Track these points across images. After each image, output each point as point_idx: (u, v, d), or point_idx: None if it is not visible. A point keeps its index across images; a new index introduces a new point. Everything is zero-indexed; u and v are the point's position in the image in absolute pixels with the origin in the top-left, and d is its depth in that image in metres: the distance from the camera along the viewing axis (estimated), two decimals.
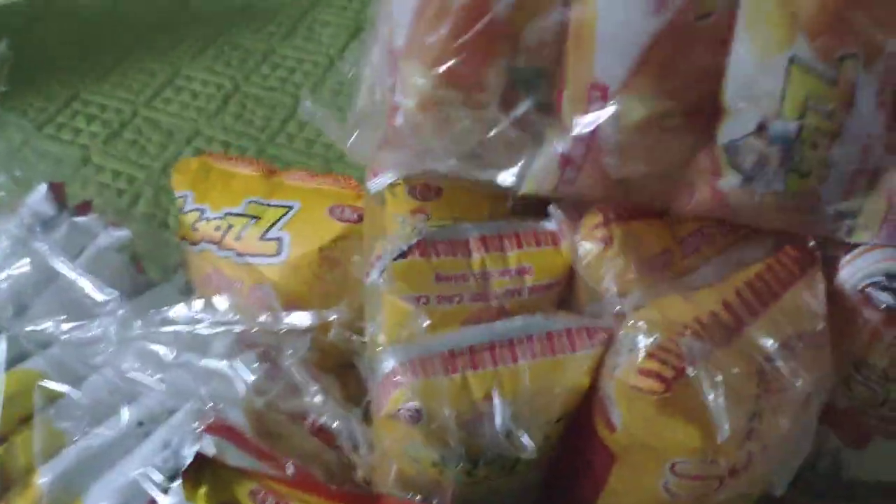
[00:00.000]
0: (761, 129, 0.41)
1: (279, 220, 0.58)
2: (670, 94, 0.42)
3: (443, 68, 0.43)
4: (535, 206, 0.51)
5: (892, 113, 0.41)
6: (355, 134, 0.48)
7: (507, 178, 0.47)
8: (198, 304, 0.49)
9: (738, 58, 0.41)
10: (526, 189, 0.47)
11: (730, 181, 0.44)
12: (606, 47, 0.41)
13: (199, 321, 0.47)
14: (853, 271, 0.45)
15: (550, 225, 0.50)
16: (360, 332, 0.48)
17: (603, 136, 0.43)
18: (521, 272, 0.49)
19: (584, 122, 0.43)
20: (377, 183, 0.52)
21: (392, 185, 0.52)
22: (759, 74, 0.40)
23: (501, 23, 0.42)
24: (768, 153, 0.42)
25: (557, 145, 0.45)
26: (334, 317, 0.48)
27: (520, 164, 0.47)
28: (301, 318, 0.48)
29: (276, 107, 0.88)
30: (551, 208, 0.50)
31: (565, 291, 0.50)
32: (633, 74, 0.41)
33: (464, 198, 0.53)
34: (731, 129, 0.42)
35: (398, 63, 0.46)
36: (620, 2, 0.40)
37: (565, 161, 0.45)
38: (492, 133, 0.45)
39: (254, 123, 0.86)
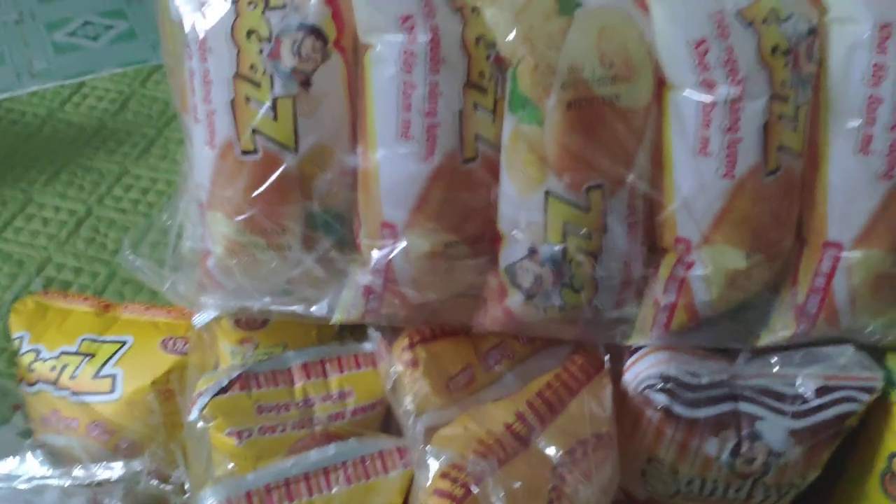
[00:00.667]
0: (533, 253, 0.46)
1: (112, 356, 0.59)
2: (451, 228, 0.46)
3: (243, 217, 0.47)
4: (363, 327, 0.54)
5: (644, 231, 0.46)
6: (171, 280, 0.51)
7: (317, 310, 0.50)
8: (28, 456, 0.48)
9: (504, 193, 0.46)
10: (336, 319, 0.50)
11: (514, 299, 0.48)
12: (390, 192, 0.46)
13: (17, 477, 0.47)
14: (634, 375, 0.49)
15: (371, 346, 0.53)
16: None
17: (397, 268, 0.47)
18: (342, 396, 0.52)
19: (379, 257, 0.47)
20: (201, 318, 0.54)
21: (218, 318, 0.55)
22: (523, 207, 0.45)
23: (293, 176, 0.46)
24: (542, 273, 0.46)
25: (360, 278, 0.49)
26: (140, 468, 0.49)
27: (328, 297, 0.50)
28: (110, 470, 0.49)
29: (130, 228, 0.89)
30: (370, 331, 0.53)
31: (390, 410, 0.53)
32: (414, 213, 0.46)
33: (291, 325, 0.55)
34: (509, 254, 0.47)
35: (205, 214, 0.49)
36: (397, 153, 0.45)
37: (367, 292, 0.49)
38: (297, 272, 0.49)
39: (106, 247, 0.87)
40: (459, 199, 0.46)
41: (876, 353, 0.51)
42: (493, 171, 0.45)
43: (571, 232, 0.45)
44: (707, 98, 0.42)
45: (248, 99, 0.45)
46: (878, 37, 0.42)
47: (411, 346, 0.49)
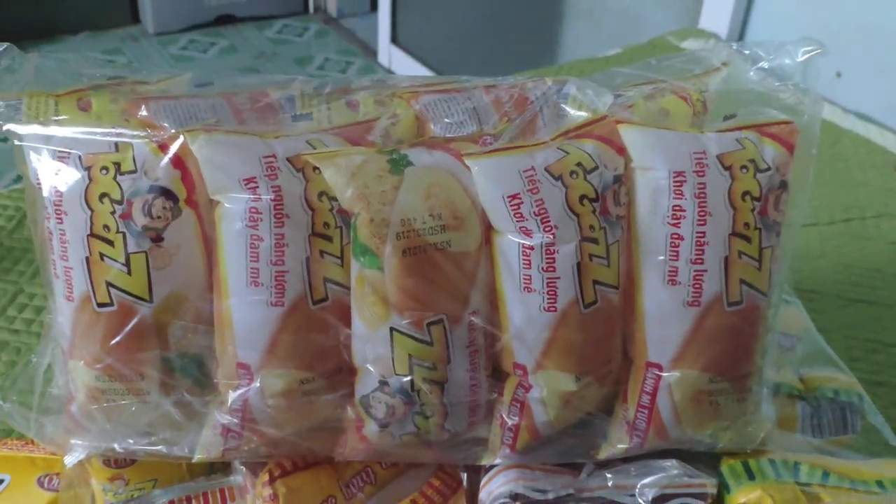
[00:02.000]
0: (384, 384, 0.49)
1: None
2: (305, 366, 0.49)
3: (101, 366, 0.49)
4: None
5: (487, 358, 0.50)
6: (39, 424, 0.53)
7: (178, 450, 0.53)
8: None
9: (355, 329, 0.49)
10: (197, 458, 0.52)
11: (371, 429, 0.51)
12: (243, 336, 0.49)
13: None
14: (487, 493, 0.52)
15: (238, 479, 0.55)
16: None
17: (254, 407, 0.50)
18: None
19: (235, 397, 0.50)
20: (71, 459, 0.56)
21: (88, 457, 0.56)
22: (371, 342, 0.49)
23: (149, 325, 0.49)
24: (394, 404, 0.50)
25: (218, 418, 0.51)
26: None
27: (189, 438, 0.52)
28: None
29: (22, 350, 0.89)
30: (235, 463, 0.55)
31: None
32: (267, 355, 0.49)
33: (160, 461, 0.57)
34: (363, 386, 0.50)
35: (67, 362, 0.51)
36: (248, 299, 0.48)
37: (226, 431, 0.51)
38: (156, 415, 0.51)
39: None
40: (311, 338, 0.49)
41: (712, 458, 0.55)
42: (345, 310, 0.49)
43: (417, 364, 0.49)
44: (526, 242, 0.47)
45: (102, 256, 0.48)
46: (673, 183, 0.48)
47: (271, 480, 0.51)
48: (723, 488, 0.54)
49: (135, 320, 0.49)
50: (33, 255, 1.03)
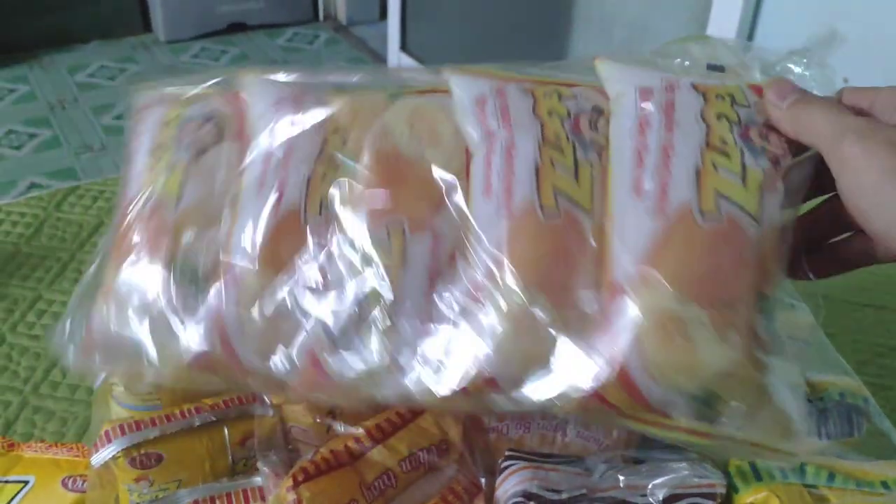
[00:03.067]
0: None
1: (16, 496, 0.61)
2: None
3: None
4: (254, 462, 0.58)
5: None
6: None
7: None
8: None
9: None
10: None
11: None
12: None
13: None
14: (503, 492, 0.53)
15: (261, 480, 0.57)
16: None
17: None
18: None
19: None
20: (99, 458, 0.57)
21: (115, 458, 0.57)
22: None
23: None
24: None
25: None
26: None
27: None
28: None
29: (41, 355, 0.91)
30: (259, 464, 0.57)
31: None
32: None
33: (185, 461, 0.58)
34: None
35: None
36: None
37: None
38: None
39: (19, 375, 0.88)
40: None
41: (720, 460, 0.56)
42: None
43: (373, 256, 0.49)
44: (489, 147, 0.49)
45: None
46: (640, 97, 0.48)
47: (295, 485, 0.52)
48: (731, 489, 0.55)
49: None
50: (51, 262, 1.05)
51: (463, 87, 0.52)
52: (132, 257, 0.52)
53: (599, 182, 0.47)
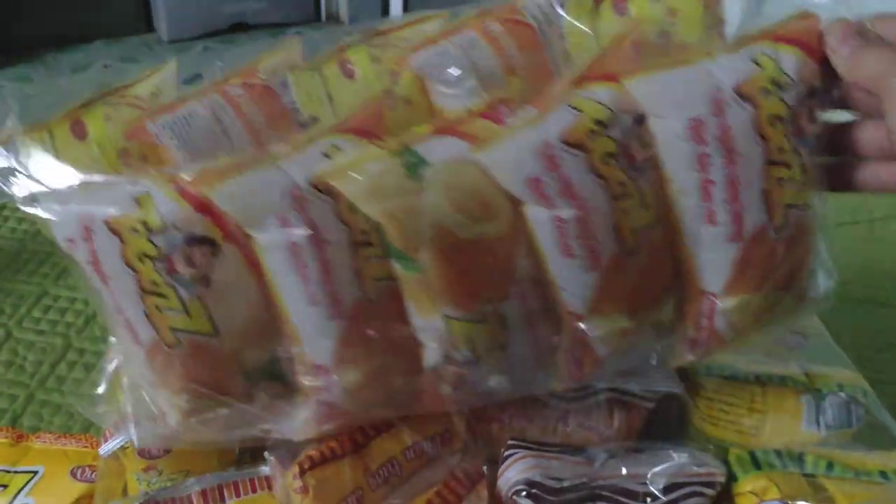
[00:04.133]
0: (449, 358, 0.50)
1: (25, 486, 0.62)
2: (374, 355, 0.51)
3: (186, 393, 0.51)
4: (262, 450, 0.59)
5: (541, 316, 0.51)
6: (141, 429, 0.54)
7: (275, 435, 0.54)
8: None
9: (410, 314, 0.50)
10: (297, 438, 0.54)
11: (445, 391, 0.52)
12: (313, 345, 0.50)
13: None
14: (505, 481, 0.54)
15: (267, 469, 0.58)
16: None
17: (336, 397, 0.51)
18: None
19: (320, 394, 0.51)
20: (108, 448, 0.58)
21: (123, 447, 0.58)
22: (429, 327, 0.49)
23: (220, 352, 0.50)
24: (462, 372, 0.51)
25: (306, 412, 0.53)
26: None
27: (282, 425, 0.54)
28: None
29: (47, 350, 0.91)
30: (266, 454, 0.57)
31: None
32: (339, 355, 0.50)
33: (193, 451, 0.59)
34: (430, 358, 0.51)
35: (153, 389, 0.52)
36: (309, 316, 0.49)
37: (318, 419, 0.53)
38: (247, 419, 0.53)
39: (25, 370, 0.89)
40: (375, 331, 0.50)
41: (721, 449, 0.57)
42: (400, 296, 0.49)
43: (478, 340, 0.49)
44: (558, 214, 0.46)
45: (158, 308, 0.48)
46: (692, 131, 0.46)
47: (301, 472, 0.53)
48: (730, 477, 0.55)
49: (208, 353, 0.49)
50: (57, 258, 1.05)
51: (507, 169, 0.45)
52: (192, 385, 0.50)
53: (656, 188, 0.48)
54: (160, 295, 0.47)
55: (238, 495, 0.56)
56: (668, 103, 0.46)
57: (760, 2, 0.52)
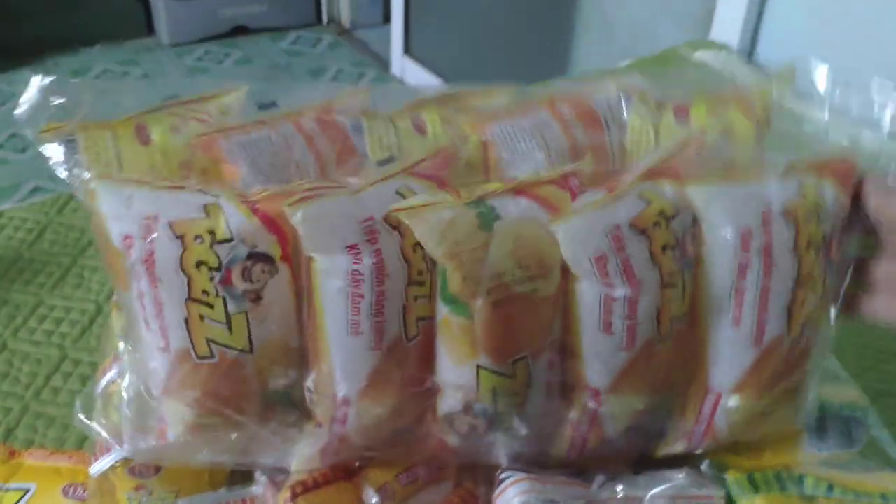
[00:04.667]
0: (468, 408, 0.51)
1: (17, 503, 0.61)
2: (398, 393, 0.52)
3: (201, 407, 0.50)
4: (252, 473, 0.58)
5: (558, 387, 0.53)
6: (136, 443, 0.53)
7: (274, 464, 0.55)
8: None
9: (441, 358, 0.51)
10: (295, 468, 0.54)
11: (452, 440, 0.53)
12: (344, 374, 0.50)
13: None
14: None
15: (258, 489, 0.57)
16: None
17: (351, 433, 0.52)
18: None
19: (334, 428, 0.52)
20: (98, 467, 0.57)
21: (114, 466, 0.58)
22: (458, 375, 0.51)
23: (248, 371, 0.50)
24: (476, 424, 0.52)
25: (316, 440, 0.53)
26: None
27: (284, 454, 0.54)
28: None
29: (42, 361, 0.91)
30: (256, 474, 0.57)
31: None
32: (366, 388, 0.51)
33: (184, 471, 0.58)
34: (446, 405, 0.52)
35: (161, 399, 0.51)
36: (348, 345, 0.49)
37: (324, 451, 0.53)
38: (254, 442, 0.52)
39: (20, 381, 0.89)
40: (404, 370, 0.51)
41: (719, 470, 0.57)
42: (432, 339, 0.51)
43: (500, 394, 0.51)
44: (609, 293, 0.49)
45: (202, 317, 0.48)
46: (741, 241, 0.50)
47: (293, 497, 0.52)
48: (728, 500, 0.55)
49: (236, 370, 0.50)
50: (53, 268, 1.05)
51: (579, 243, 0.49)
52: (209, 401, 0.51)
53: (695, 286, 0.51)
54: (208, 305, 0.48)
55: None
56: (722, 211, 0.50)
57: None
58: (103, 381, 0.62)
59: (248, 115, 0.57)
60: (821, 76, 0.56)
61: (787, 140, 0.55)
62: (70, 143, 0.51)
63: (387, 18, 3.04)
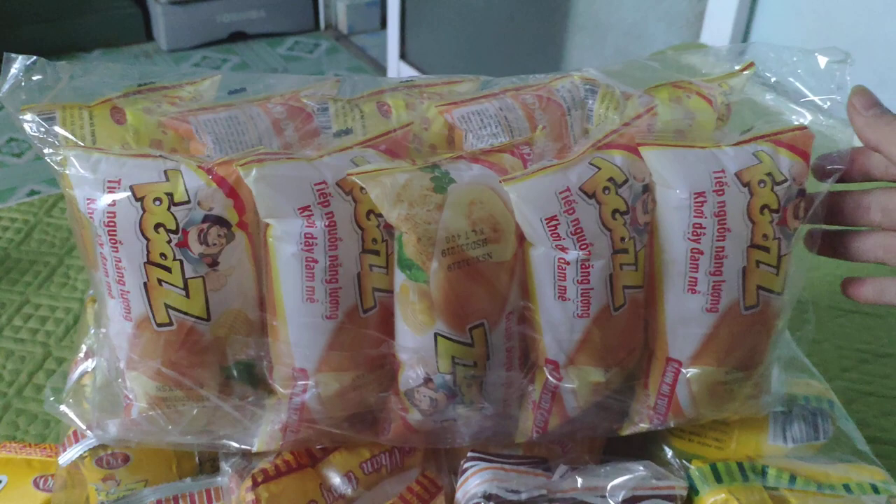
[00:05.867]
0: (428, 380, 0.52)
1: None
2: (355, 366, 0.52)
3: (161, 378, 0.51)
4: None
5: (520, 354, 0.53)
6: (103, 425, 0.54)
7: (237, 444, 0.55)
8: None
9: (399, 331, 0.52)
10: (256, 449, 0.55)
11: (414, 417, 0.54)
12: (299, 345, 0.51)
13: None
14: (463, 493, 0.54)
15: (223, 480, 0.57)
16: None
17: (310, 406, 0.52)
18: None
19: (294, 400, 0.52)
20: (66, 457, 0.58)
21: (82, 457, 0.58)
22: (415, 344, 0.51)
23: (207, 340, 0.51)
24: (437, 397, 0.52)
25: (277, 416, 0.53)
26: None
27: (246, 432, 0.55)
28: None
29: (26, 359, 0.91)
30: (222, 464, 0.57)
31: None
32: (322, 360, 0.51)
33: (152, 461, 0.59)
34: (407, 380, 0.53)
35: (125, 372, 0.52)
36: (303, 314, 0.50)
37: (285, 428, 0.53)
38: (216, 417, 0.53)
39: (2, 378, 0.89)
40: (362, 342, 0.52)
41: (682, 461, 0.57)
42: (390, 313, 0.52)
43: (460, 363, 0.51)
44: (562, 257, 0.50)
45: (160, 281, 0.50)
46: (694, 203, 0.51)
47: (255, 485, 0.52)
48: (691, 490, 0.55)
49: (194, 337, 0.51)
50: (40, 267, 1.06)
51: (530, 204, 0.50)
52: (169, 371, 0.52)
53: (648, 255, 0.52)
54: (165, 268, 0.49)
55: None
56: (677, 175, 0.51)
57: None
58: (75, 374, 0.63)
59: (219, 100, 0.58)
60: (777, 62, 0.56)
61: (746, 127, 0.55)
62: (48, 119, 0.53)
63: (383, 24, 3.06)
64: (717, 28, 1.62)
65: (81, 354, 0.63)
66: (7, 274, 1.06)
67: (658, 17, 1.77)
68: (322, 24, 3.32)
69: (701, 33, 1.65)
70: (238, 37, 3.14)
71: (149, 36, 3.11)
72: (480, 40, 2.42)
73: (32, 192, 2.17)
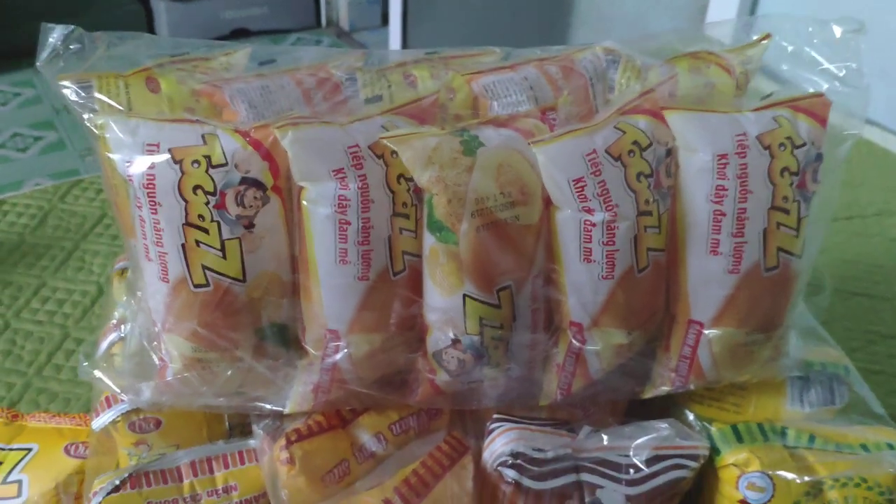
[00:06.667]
0: (456, 342, 0.53)
1: (19, 462, 0.62)
2: (386, 328, 0.53)
3: (197, 339, 0.52)
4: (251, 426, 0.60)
5: (545, 317, 0.54)
6: (136, 389, 0.55)
7: (270, 405, 0.56)
8: None
9: (428, 293, 0.53)
10: (289, 410, 0.56)
11: (442, 378, 0.55)
12: (331, 306, 0.52)
13: None
14: (490, 453, 0.55)
15: (255, 442, 0.58)
16: None
17: (342, 367, 0.54)
18: (227, 490, 0.56)
19: (327, 360, 0.53)
20: (100, 422, 0.59)
21: (114, 422, 0.59)
22: (444, 305, 0.52)
23: (242, 301, 0.52)
24: (465, 358, 0.54)
25: (309, 377, 0.54)
26: None
27: (279, 394, 0.56)
28: None
29: (45, 339, 0.92)
30: (254, 427, 0.58)
31: None
32: (354, 322, 0.52)
33: (183, 426, 0.60)
34: (435, 342, 0.54)
35: (161, 334, 0.53)
36: (336, 275, 0.51)
37: (317, 389, 0.55)
38: (249, 378, 0.54)
39: (22, 359, 0.90)
40: (392, 304, 0.53)
41: (704, 423, 0.58)
42: (419, 276, 0.53)
43: (487, 324, 0.53)
44: (588, 219, 0.51)
45: (198, 242, 0.51)
46: (717, 165, 0.52)
47: (288, 444, 0.53)
48: (713, 451, 0.56)
49: (229, 299, 0.52)
50: (56, 251, 1.07)
51: (558, 166, 0.51)
52: (205, 332, 0.53)
53: (671, 220, 0.53)
54: (203, 230, 0.50)
55: (227, 467, 0.56)
56: (700, 137, 0.52)
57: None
58: (104, 344, 0.64)
59: (250, 71, 0.60)
60: (793, 33, 0.58)
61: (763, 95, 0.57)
62: (86, 88, 0.54)
63: (385, 20, 3.07)
64: (721, 17, 1.63)
65: (113, 323, 0.64)
66: (23, 258, 1.07)
67: (661, 9, 1.78)
68: (324, 21, 3.33)
69: (705, 23, 1.67)
70: (240, 33, 3.14)
71: (151, 32, 3.12)
72: (482, 36, 2.43)
73: (38, 187, 2.18)
